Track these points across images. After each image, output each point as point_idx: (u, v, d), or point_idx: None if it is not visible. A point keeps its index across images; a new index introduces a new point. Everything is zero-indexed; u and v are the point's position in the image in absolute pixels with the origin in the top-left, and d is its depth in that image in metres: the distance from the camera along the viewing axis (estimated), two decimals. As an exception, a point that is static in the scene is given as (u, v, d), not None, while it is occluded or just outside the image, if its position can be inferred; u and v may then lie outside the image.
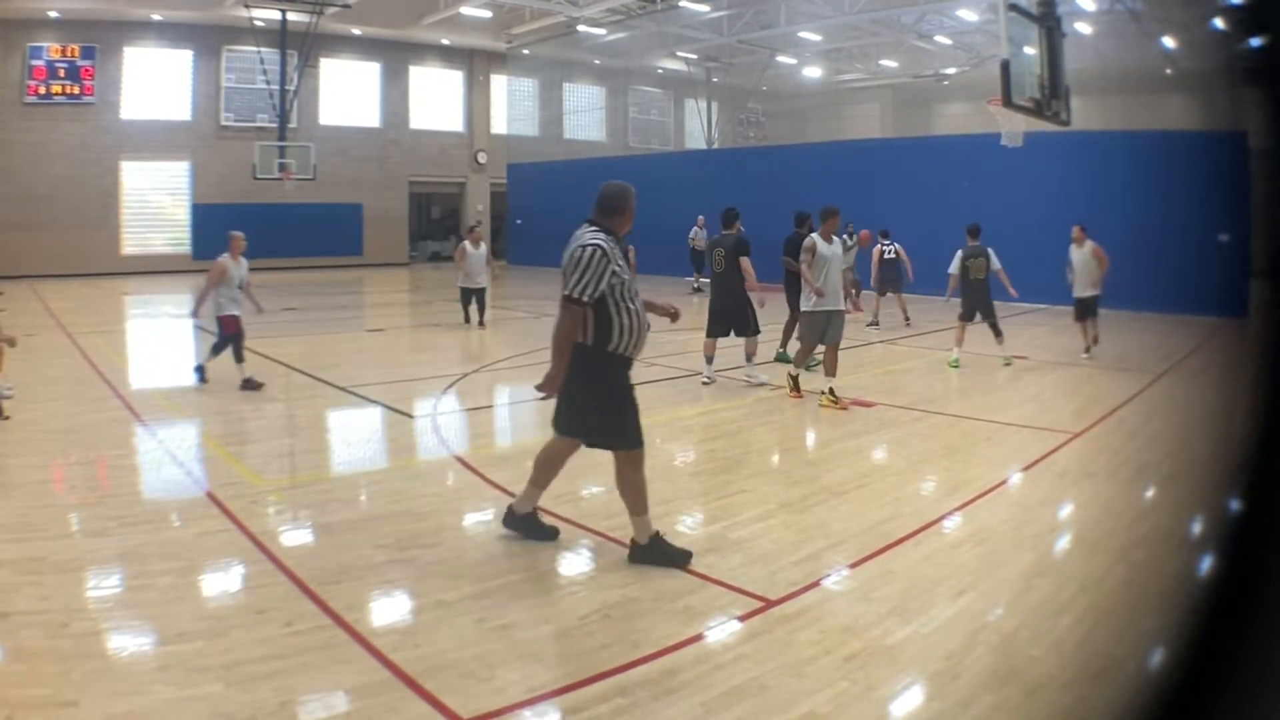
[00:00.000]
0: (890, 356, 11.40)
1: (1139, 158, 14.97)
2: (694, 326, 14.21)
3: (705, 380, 9.29)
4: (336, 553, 4.61)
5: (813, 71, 29.54)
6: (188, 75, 25.72)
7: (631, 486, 4.47)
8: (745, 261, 9.00)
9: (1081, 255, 10.63)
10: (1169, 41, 18.40)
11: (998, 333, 10.45)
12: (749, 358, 9.39)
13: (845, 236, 13.70)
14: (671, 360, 10.74)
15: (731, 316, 9.25)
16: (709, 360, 9.37)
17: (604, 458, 6.80)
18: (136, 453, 6.84)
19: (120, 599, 4.07)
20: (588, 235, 4.37)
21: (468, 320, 13.65)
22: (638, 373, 10.17)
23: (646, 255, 23.60)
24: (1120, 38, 18.05)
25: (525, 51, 28.95)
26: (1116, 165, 15.03)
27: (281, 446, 7.15)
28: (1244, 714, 1.21)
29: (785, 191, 19.89)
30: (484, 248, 13.68)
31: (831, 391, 8.20)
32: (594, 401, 4.44)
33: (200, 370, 9.40)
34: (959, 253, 10.60)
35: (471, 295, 13.58)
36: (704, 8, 24.80)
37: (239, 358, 9.17)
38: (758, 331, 9.34)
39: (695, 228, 19.86)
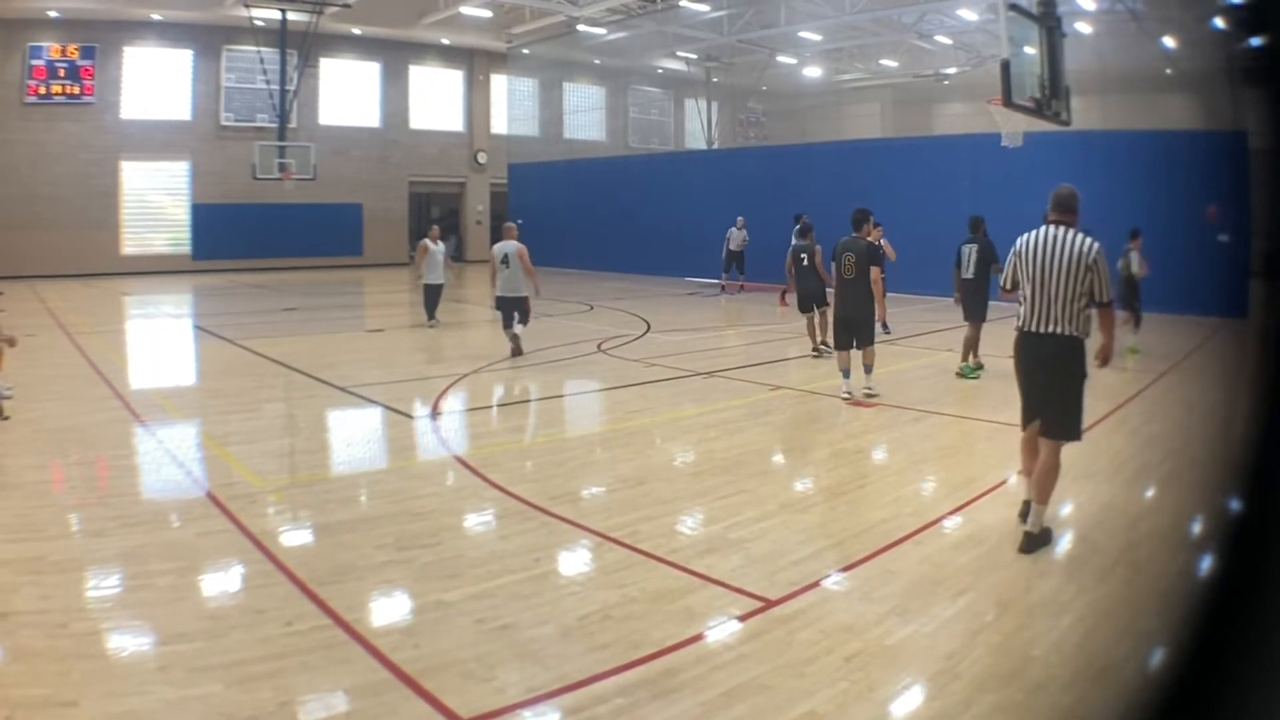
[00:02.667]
0: (890, 356, 11.39)
1: (1139, 158, 14.98)
2: (695, 327, 14.22)
3: (845, 395, 8.51)
4: (336, 553, 4.61)
5: (813, 71, 29.54)
6: (188, 75, 25.71)
7: (1054, 475, 4.76)
8: (875, 271, 8.40)
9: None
10: (1169, 41, 18.40)
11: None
12: (868, 369, 8.67)
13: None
14: (671, 361, 10.75)
15: (857, 327, 8.60)
16: (846, 374, 8.60)
17: (599, 458, 6.85)
18: (136, 453, 6.84)
19: (120, 599, 4.07)
20: (1082, 238, 4.65)
21: (433, 318, 13.84)
22: (638, 373, 10.18)
23: (645, 255, 23.74)
24: (1120, 38, 18.05)
25: (525, 51, 28.96)
26: (1116, 165, 15.02)
27: (281, 446, 7.15)
28: (1244, 714, 1.21)
29: (785, 191, 19.93)
30: (442, 245, 13.93)
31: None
32: (1080, 396, 4.71)
33: (516, 340, 10.78)
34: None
35: (435, 292, 13.77)
36: (704, 8, 24.80)
37: (525, 322, 10.95)
38: (872, 341, 8.77)
39: (734, 228, 19.21)
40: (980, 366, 9.83)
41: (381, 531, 4.91)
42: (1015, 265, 4.84)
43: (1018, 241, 4.86)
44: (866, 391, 8.58)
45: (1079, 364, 4.67)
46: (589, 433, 7.96)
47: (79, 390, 8.89)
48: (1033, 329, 4.73)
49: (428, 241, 13.72)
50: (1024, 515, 4.87)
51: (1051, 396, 4.72)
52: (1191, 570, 1.44)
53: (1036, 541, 4.67)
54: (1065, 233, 4.66)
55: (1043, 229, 4.76)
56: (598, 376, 10.26)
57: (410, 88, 29.72)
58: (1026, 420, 4.92)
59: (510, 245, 10.77)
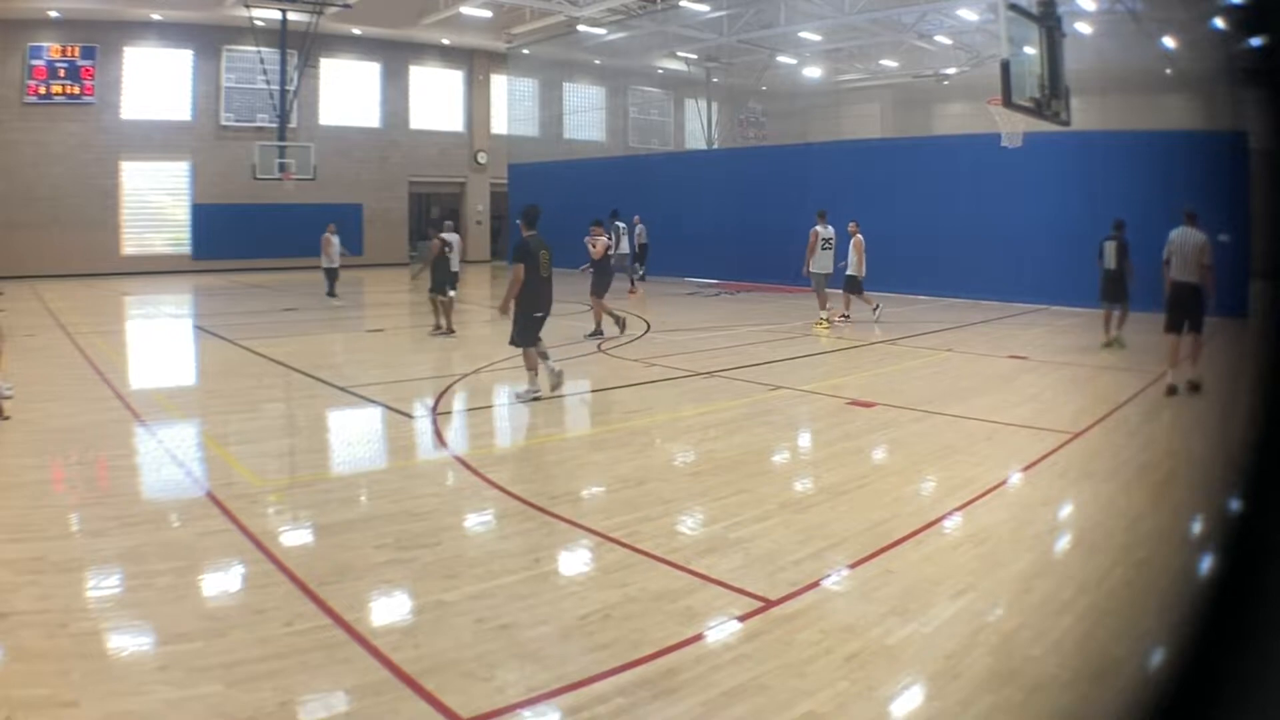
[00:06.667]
0: (891, 356, 11.40)
1: (1139, 158, 14.97)
2: (695, 327, 14.21)
3: (536, 394, 8.38)
4: (336, 553, 4.61)
5: (813, 71, 29.53)
6: (188, 75, 25.71)
7: (1200, 351, 8.23)
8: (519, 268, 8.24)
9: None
10: (1169, 41, 18.39)
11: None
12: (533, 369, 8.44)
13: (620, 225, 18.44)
14: (671, 361, 10.75)
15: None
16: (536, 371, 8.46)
17: (599, 458, 6.85)
18: (136, 453, 6.84)
19: (120, 599, 4.07)
20: (1198, 233, 8.37)
21: (331, 293, 17.73)
22: (637, 373, 10.18)
23: (644, 255, 23.69)
24: (1120, 38, 18.04)
25: (525, 51, 28.94)
26: (1116, 165, 15.02)
27: (281, 446, 7.15)
28: (1244, 714, 1.21)
29: (785, 191, 19.95)
30: (338, 238, 18.09)
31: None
32: (1203, 313, 8.24)
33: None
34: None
35: (334, 273, 17.94)
36: (704, 8, 24.79)
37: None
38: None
39: (639, 225, 21.30)
40: (1117, 342, 11.25)
41: (381, 531, 4.91)
42: (1169, 248, 8.52)
43: (1171, 234, 8.54)
44: (531, 394, 8.32)
45: (1201, 297, 8.26)
46: (589, 433, 7.97)
47: (79, 390, 8.88)
48: (1178, 279, 8.42)
49: (329, 235, 17.87)
50: (1171, 390, 8.29)
51: (1191, 312, 8.29)
52: (1191, 570, 1.44)
53: (1176, 390, 8.24)
54: (1191, 230, 8.44)
55: (1181, 227, 8.47)
56: (598, 376, 10.26)
57: (410, 88, 29.71)
58: (1173, 330, 8.36)
59: (455, 236, 13.96)
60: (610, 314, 12.45)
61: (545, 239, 8.59)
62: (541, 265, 8.33)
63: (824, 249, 13.60)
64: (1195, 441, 6.55)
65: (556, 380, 8.47)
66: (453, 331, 12.83)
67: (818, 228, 13.61)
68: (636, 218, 21.07)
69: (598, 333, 12.42)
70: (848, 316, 14.22)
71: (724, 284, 20.72)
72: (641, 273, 21.60)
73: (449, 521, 5.25)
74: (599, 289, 12.43)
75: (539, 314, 8.38)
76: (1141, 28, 18.39)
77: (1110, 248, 11.20)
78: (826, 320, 13.76)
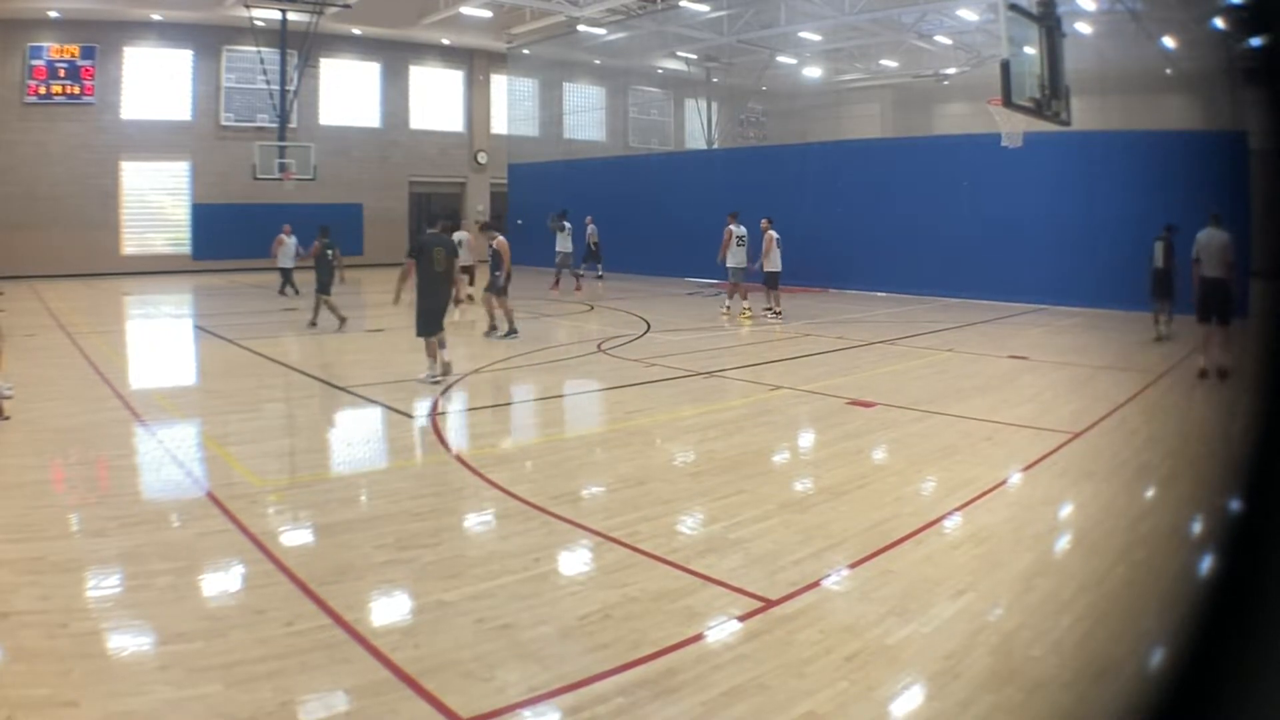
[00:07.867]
0: (891, 356, 11.40)
1: (1139, 158, 14.98)
2: (695, 327, 14.21)
3: (435, 379, 9.15)
4: (336, 553, 4.61)
5: (813, 71, 29.52)
6: (188, 75, 25.69)
7: (1222, 343, 8.90)
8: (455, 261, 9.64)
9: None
10: (1169, 41, 18.39)
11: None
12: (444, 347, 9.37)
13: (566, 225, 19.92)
14: (671, 361, 10.75)
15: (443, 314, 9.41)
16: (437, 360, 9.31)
17: (599, 458, 6.85)
18: (136, 453, 6.84)
19: (120, 599, 4.07)
20: (1223, 233, 9.13)
21: (283, 292, 18.00)
22: (638, 373, 10.18)
23: (645, 255, 23.72)
24: (1120, 38, 18.03)
25: (525, 51, 28.93)
26: (1116, 165, 15.02)
27: (281, 446, 7.15)
28: (1244, 714, 1.21)
29: (785, 191, 19.96)
30: (294, 238, 18.23)
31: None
32: (1231, 307, 8.86)
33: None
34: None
35: (289, 273, 18.30)
36: (704, 8, 24.78)
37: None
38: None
39: (590, 225, 21.40)
40: (1165, 337, 11.97)
41: (381, 531, 4.91)
42: (1197, 247, 9.35)
43: (1198, 235, 9.34)
44: (431, 378, 9.12)
45: (1228, 291, 8.90)
46: (589, 433, 7.96)
47: (79, 390, 8.88)
48: (1205, 275, 9.20)
49: (283, 236, 18.23)
50: (1203, 374, 8.96)
51: (1217, 306, 8.98)
52: (1191, 570, 1.44)
53: (1208, 376, 8.82)
54: (1217, 231, 9.20)
55: (1208, 228, 9.26)
56: (598, 376, 10.26)
57: (410, 88, 29.69)
58: (1204, 321, 9.10)
59: (465, 234, 15.33)
60: (506, 314, 12.30)
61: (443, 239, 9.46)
62: (435, 261, 9.12)
63: (738, 245, 14.76)
64: (1195, 441, 6.56)
65: (445, 369, 9.19)
66: (315, 325, 13.50)
67: (731, 226, 14.75)
68: (589, 219, 21.13)
69: (511, 331, 12.26)
70: (779, 312, 14.71)
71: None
72: (599, 272, 21.76)
73: (449, 521, 5.26)
74: (495, 287, 12.23)
75: (431, 306, 9.15)
76: (1141, 28, 18.38)
77: (1159, 248, 11.88)
78: (729, 310, 15.07)
